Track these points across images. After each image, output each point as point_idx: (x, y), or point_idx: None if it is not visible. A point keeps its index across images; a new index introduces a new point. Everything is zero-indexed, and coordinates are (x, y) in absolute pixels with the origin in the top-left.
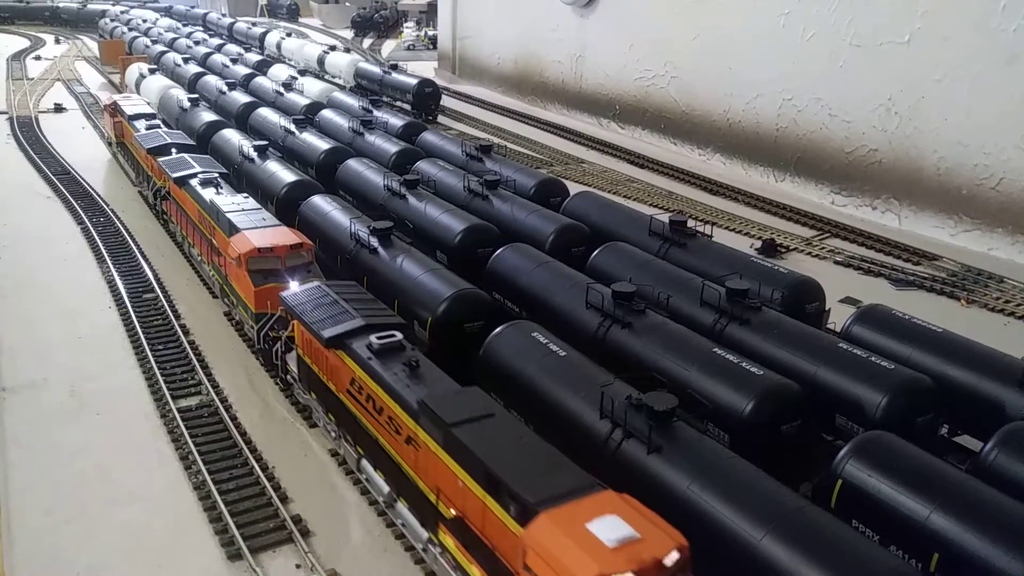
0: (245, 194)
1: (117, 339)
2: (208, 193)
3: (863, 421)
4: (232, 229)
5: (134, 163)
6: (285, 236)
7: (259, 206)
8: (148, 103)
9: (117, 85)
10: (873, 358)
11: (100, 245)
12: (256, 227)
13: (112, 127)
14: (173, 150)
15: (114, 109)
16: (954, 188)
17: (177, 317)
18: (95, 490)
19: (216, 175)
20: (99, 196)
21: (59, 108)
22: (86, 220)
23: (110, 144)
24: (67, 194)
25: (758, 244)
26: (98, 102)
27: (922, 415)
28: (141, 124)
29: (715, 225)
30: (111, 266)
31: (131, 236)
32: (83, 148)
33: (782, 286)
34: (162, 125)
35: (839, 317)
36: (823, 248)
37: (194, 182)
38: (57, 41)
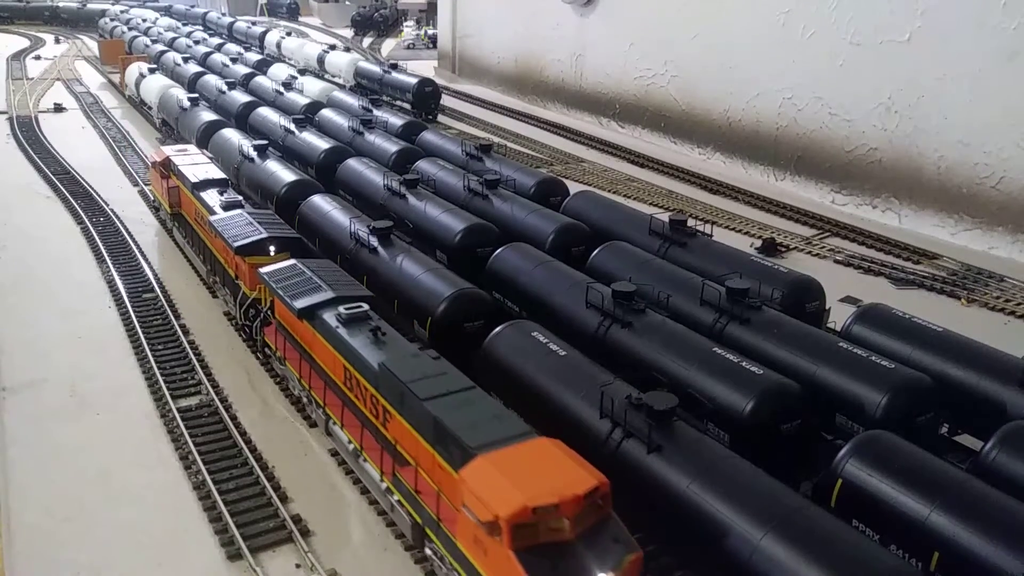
0: (434, 352)
1: (117, 339)
2: (363, 344)
3: (863, 420)
4: (456, 448)
5: (202, 249)
6: (566, 469)
7: (470, 381)
8: (211, 158)
9: (117, 85)
10: (873, 357)
11: (100, 245)
12: (498, 440)
13: (165, 192)
14: (272, 248)
15: (167, 168)
16: (954, 187)
17: (177, 317)
18: (95, 490)
19: (366, 308)
20: (99, 196)
21: (59, 108)
22: (86, 220)
23: (157, 210)
24: (67, 194)
25: (758, 243)
26: (99, 103)
27: (922, 414)
28: (213, 198)
29: (715, 224)
30: (111, 266)
31: (131, 236)
32: (83, 148)
33: (782, 285)
34: (243, 201)
35: (839, 316)
36: (823, 247)
37: (329, 318)
38: (57, 41)
